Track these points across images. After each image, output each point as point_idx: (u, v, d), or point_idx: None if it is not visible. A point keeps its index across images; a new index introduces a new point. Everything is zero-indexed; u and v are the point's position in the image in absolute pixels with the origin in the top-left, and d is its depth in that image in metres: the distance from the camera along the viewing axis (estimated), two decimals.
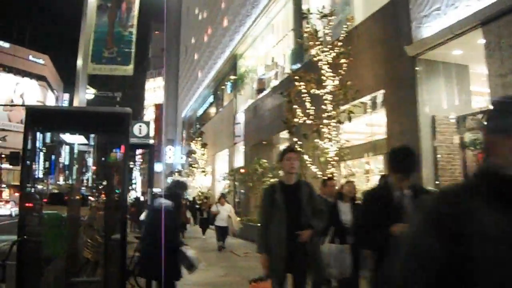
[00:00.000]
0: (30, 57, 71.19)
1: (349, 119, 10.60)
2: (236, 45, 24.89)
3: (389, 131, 10.43)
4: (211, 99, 34.84)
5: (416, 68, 9.52)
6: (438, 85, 9.60)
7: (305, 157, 11.02)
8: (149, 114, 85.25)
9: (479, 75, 9.23)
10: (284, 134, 17.63)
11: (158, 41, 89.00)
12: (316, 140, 10.78)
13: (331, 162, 10.69)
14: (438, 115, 9.33)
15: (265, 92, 20.55)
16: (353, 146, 12.16)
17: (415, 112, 9.33)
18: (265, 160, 18.35)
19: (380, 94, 11.23)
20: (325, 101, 10.79)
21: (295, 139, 11.44)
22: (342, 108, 10.81)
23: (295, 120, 11.08)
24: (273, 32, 21.21)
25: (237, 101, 25.19)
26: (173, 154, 59.85)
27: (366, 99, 11.54)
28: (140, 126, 10.96)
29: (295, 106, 11.15)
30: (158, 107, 68.86)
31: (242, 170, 20.48)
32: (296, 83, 11.35)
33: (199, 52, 39.09)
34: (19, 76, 68.25)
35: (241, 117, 23.56)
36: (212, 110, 34.45)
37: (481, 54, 7.85)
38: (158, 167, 71.79)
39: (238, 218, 18.32)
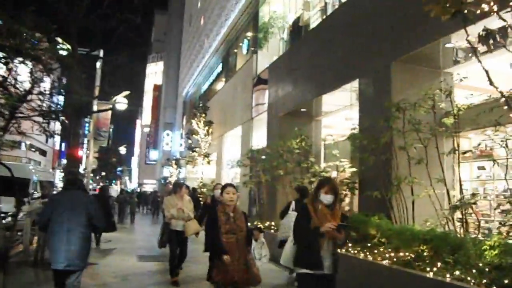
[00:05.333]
0: None
1: None
2: None
3: None
4: (219, 68, 27.93)
5: None
6: None
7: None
8: (148, 99, 78.56)
9: None
10: (339, 92, 10.90)
11: (161, 25, 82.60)
12: None
13: None
14: None
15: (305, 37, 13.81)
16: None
17: None
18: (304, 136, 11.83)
19: None
20: None
21: (469, 37, 4.64)
22: None
23: None
24: None
25: (257, 60, 18.34)
26: (170, 141, 53.03)
27: None
28: None
29: None
30: (157, 88, 62.06)
31: (267, 150, 13.74)
32: None
33: (206, 14, 32.23)
34: None
35: (263, 83, 16.76)
36: (220, 84, 27.55)
37: None
38: (154, 154, 65.24)
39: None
